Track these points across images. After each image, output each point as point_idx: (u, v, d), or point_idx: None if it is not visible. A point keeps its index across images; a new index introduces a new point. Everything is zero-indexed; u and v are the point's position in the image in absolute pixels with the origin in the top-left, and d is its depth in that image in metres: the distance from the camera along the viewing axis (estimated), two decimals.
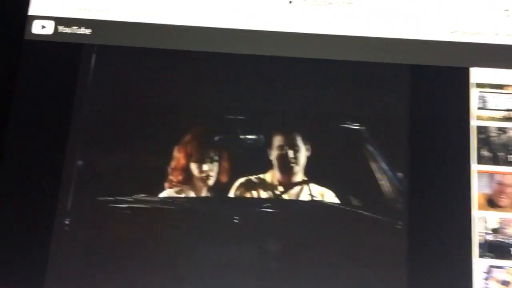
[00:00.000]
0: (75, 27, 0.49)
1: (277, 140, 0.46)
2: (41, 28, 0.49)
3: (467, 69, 0.46)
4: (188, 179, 0.46)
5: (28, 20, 0.49)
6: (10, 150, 0.46)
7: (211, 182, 0.45)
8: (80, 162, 0.46)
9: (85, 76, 0.48)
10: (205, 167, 0.46)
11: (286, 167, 0.46)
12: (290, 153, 0.46)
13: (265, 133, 0.46)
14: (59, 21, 0.49)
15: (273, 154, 0.46)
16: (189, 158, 0.46)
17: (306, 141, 0.46)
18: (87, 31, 0.49)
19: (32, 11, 0.49)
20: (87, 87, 0.47)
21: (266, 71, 0.47)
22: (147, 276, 0.43)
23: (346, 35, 0.48)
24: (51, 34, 0.49)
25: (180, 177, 0.45)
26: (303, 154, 0.46)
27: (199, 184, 0.46)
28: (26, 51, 0.48)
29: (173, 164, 0.46)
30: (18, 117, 0.47)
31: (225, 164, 0.46)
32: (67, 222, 0.45)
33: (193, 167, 0.46)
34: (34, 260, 0.44)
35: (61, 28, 0.49)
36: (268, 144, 0.46)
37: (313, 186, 0.45)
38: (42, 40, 0.49)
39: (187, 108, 0.47)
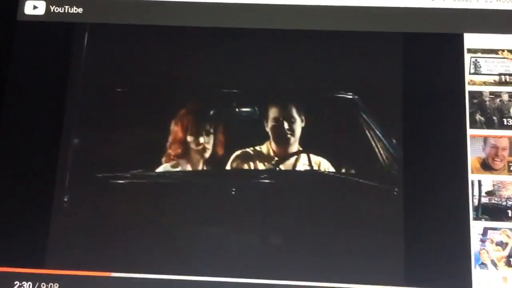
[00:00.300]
0: (67, 6, 0.49)
1: (273, 112, 0.46)
2: (33, 9, 0.49)
3: (461, 35, 0.46)
4: (185, 153, 0.46)
5: (20, 1, 0.49)
6: (6, 130, 0.46)
7: (207, 154, 0.46)
8: (76, 140, 0.46)
9: (78, 55, 0.47)
10: (201, 139, 0.46)
11: (282, 138, 0.46)
12: (286, 125, 0.46)
13: (260, 106, 0.46)
14: (50, 0, 0.49)
15: (269, 126, 0.46)
16: (185, 131, 0.46)
17: (301, 112, 0.46)
18: (79, 10, 0.49)
19: None
20: (81, 65, 0.47)
21: (259, 44, 0.47)
22: (146, 251, 0.44)
23: (338, 5, 0.48)
24: (43, 14, 0.49)
25: (178, 151, 0.46)
26: (299, 125, 0.46)
27: (196, 157, 0.46)
28: (19, 32, 0.48)
29: (170, 138, 0.46)
30: (13, 98, 0.47)
31: (221, 137, 0.46)
32: (66, 199, 0.45)
33: (190, 140, 0.46)
34: (34, 238, 0.44)
35: (52, 8, 0.49)
36: (264, 116, 0.46)
37: (309, 156, 0.45)
38: (35, 21, 0.48)
39: (182, 83, 0.47)
